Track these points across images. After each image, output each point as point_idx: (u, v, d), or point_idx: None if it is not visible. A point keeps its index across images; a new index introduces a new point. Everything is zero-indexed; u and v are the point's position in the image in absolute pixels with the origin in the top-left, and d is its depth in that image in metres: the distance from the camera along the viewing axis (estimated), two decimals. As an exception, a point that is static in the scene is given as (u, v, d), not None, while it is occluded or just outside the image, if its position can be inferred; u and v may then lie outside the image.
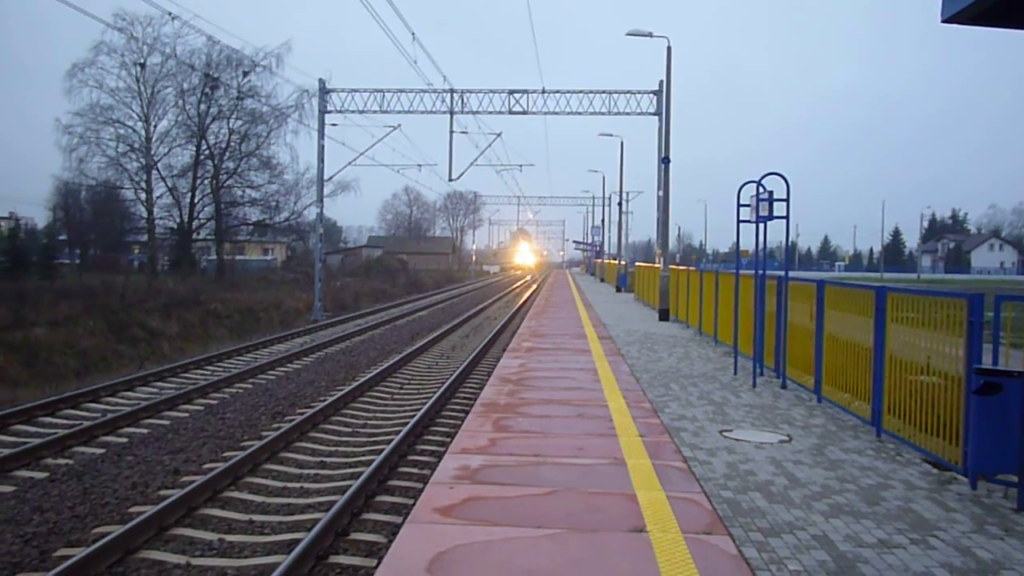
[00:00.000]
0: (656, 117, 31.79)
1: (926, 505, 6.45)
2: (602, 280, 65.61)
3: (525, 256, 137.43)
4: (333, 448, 11.10)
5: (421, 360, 19.68)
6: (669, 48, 26.61)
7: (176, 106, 47.86)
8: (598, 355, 15.41)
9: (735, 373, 13.38)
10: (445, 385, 14.78)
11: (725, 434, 8.87)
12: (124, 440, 11.26)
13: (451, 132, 35.90)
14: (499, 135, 39.86)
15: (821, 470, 7.45)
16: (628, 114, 33.67)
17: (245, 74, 47.44)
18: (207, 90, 47.56)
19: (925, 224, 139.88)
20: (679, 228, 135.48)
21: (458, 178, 38.29)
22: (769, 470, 7.42)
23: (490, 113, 34.59)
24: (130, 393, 15.10)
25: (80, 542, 7.48)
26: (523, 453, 7.85)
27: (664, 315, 24.74)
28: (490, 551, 5.33)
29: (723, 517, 6.04)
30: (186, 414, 13.07)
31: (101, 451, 10.64)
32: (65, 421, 12.62)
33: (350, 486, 8.65)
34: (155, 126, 47.07)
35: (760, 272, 12.82)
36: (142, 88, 46.10)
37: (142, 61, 45.07)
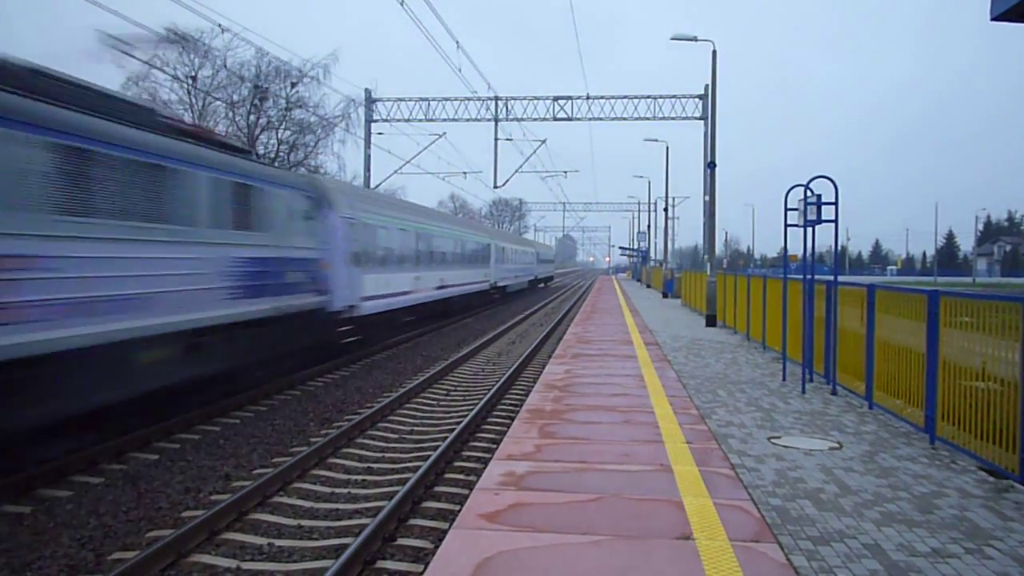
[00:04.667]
0: (702, 121, 31.59)
1: (982, 514, 6.30)
2: (648, 286, 65.29)
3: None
4: (380, 454, 11.19)
5: (467, 367, 19.74)
6: (714, 52, 26.46)
7: (227, 117, 48.75)
8: (644, 361, 15.33)
9: (784, 379, 13.21)
10: (491, 391, 14.81)
11: (774, 441, 8.76)
12: (177, 446, 11.47)
13: (496, 139, 36.13)
14: (543, 142, 39.94)
15: (873, 477, 7.32)
16: (674, 119, 33.61)
17: (293, 85, 48.09)
18: (256, 101, 48.34)
19: (980, 226, 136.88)
20: (726, 233, 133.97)
21: (503, 185, 38.38)
22: (819, 477, 7.31)
23: (535, 120, 34.71)
24: (181, 400, 15.33)
25: (134, 545, 7.63)
26: (569, 459, 7.84)
27: (711, 321, 24.52)
28: (535, 557, 5.33)
29: (771, 525, 5.97)
30: (237, 420, 13.27)
31: (155, 457, 10.85)
32: (121, 427, 12.86)
33: (397, 492, 8.71)
34: (205, 137, 48.00)
35: (809, 277, 12.66)
36: (193, 100, 47.07)
37: (194, 74, 46.01)
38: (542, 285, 75.99)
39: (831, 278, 12.23)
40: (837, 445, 8.59)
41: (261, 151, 49.41)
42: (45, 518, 8.33)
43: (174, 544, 7.20)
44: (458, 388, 16.65)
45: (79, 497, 9.05)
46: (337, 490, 9.46)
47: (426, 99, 34.23)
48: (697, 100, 32.53)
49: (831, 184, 11.70)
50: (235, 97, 48.37)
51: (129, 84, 45.11)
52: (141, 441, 11.43)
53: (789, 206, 12.55)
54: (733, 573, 5.03)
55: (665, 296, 45.12)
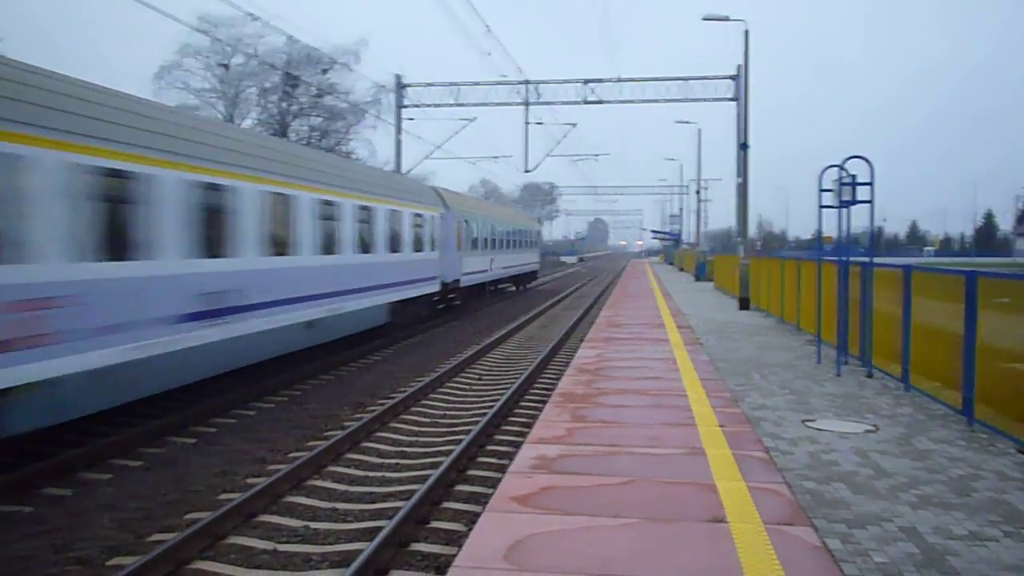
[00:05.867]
0: (734, 103, 31.23)
1: (1020, 496, 6.21)
2: (681, 269, 64.85)
3: None
4: (413, 438, 11.26)
5: (499, 351, 19.78)
6: (747, 32, 26.18)
7: (258, 105, 49.17)
8: (676, 344, 15.26)
9: (818, 362, 13.08)
10: (523, 376, 14.83)
11: (807, 424, 8.69)
12: (213, 430, 11.62)
13: (526, 123, 36.01)
14: (574, 125, 39.75)
15: (908, 460, 7.24)
16: (705, 100, 33.20)
17: (324, 71, 48.30)
18: (288, 88, 48.63)
19: (1020, 206, 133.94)
20: (759, 215, 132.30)
21: (533, 169, 38.30)
22: (853, 460, 7.25)
23: (565, 103, 34.51)
24: (218, 385, 15.52)
25: (172, 527, 7.76)
26: (600, 443, 7.84)
27: (744, 304, 24.33)
28: (567, 540, 5.34)
29: (805, 508, 5.93)
30: (272, 405, 13.42)
31: (192, 441, 11.01)
32: (159, 411, 13.06)
33: (430, 475, 8.77)
34: (239, 125, 48.40)
35: (844, 259, 12.51)
36: (226, 88, 47.43)
37: (226, 62, 46.33)
38: (514, 288, 43.76)
39: (866, 259, 12.07)
40: (872, 428, 8.50)
41: (293, 138, 49.75)
42: (86, 500, 8.50)
43: (211, 526, 7.31)
44: (490, 372, 16.69)
45: (118, 480, 9.22)
46: (371, 474, 9.54)
47: (456, 84, 34.16)
48: (729, 81, 32.09)
49: (867, 164, 11.53)
50: (267, 84, 48.68)
51: (162, 72, 45.60)
52: (178, 425, 11.60)
53: (824, 187, 12.38)
54: (767, 556, 5.00)
55: (697, 279, 44.81)
